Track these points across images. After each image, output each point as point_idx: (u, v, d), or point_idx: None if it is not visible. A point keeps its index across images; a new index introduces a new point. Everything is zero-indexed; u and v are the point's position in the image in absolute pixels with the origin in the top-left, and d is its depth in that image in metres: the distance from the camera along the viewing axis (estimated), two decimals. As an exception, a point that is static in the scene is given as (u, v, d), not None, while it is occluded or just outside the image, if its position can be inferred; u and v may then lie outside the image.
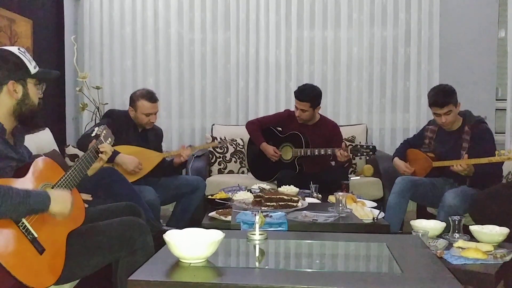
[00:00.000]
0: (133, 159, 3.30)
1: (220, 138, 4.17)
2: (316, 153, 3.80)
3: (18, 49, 1.90)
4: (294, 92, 3.93)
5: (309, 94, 3.86)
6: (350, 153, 3.65)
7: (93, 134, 2.28)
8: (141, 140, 3.52)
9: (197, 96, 4.99)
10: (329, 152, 3.76)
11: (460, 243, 2.23)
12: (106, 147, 2.24)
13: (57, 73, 2.09)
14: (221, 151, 4.50)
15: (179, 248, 1.59)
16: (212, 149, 4.45)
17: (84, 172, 2.06)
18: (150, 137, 3.61)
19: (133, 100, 3.48)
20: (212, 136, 4.60)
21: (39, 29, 4.13)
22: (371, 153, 3.62)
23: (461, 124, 3.34)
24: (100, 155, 2.22)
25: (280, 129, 4.12)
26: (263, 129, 4.12)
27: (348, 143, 3.77)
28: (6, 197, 1.59)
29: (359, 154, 3.65)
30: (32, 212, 1.69)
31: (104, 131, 2.31)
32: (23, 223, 1.68)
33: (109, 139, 2.32)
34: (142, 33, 4.95)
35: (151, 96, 3.47)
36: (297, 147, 3.90)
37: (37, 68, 1.93)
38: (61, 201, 1.78)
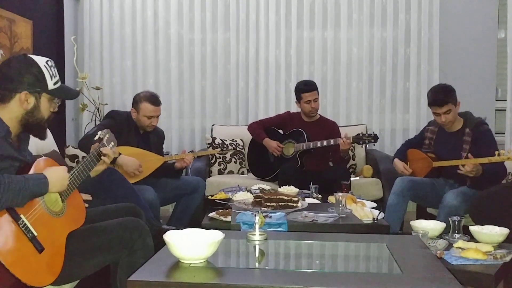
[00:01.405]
0: (134, 161, 3.30)
1: (222, 146, 4.19)
2: (319, 145, 3.82)
3: (46, 62, 1.91)
4: (300, 89, 3.94)
5: (314, 83, 4.00)
6: (353, 141, 3.68)
7: (96, 137, 2.28)
8: (142, 141, 3.52)
9: (197, 97, 4.99)
10: (332, 143, 3.78)
11: (460, 243, 2.23)
12: (109, 150, 2.24)
13: (76, 93, 2.12)
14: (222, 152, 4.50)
15: (179, 248, 1.59)
16: None
17: (85, 174, 2.06)
18: (152, 139, 3.61)
19: (136, 102, 3.47)
20: (212, 137, 4.60)
21: (39, 29, 4.13)
22: (373, 140, 3.66)
23: (462, 126, 3.34)
24: (102, 157, 2.22)
25: (281, 131, 4.14)
26: (265, 129, 4.14)
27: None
28: (6, 185, 1.62)
29: (361, 142, 3.71)
30: (34, 196, 1.72)
31: (107, 135, 2.30)
32: (22, 221, 1.68)
33: (112, 142, 2.32)
34: (142, 34, 4.95)
35: (154, 99, 3.46)
36: (299, 143, 3.93)
37: (58, 84, 1.94)
38: (58, 178, 1.82)
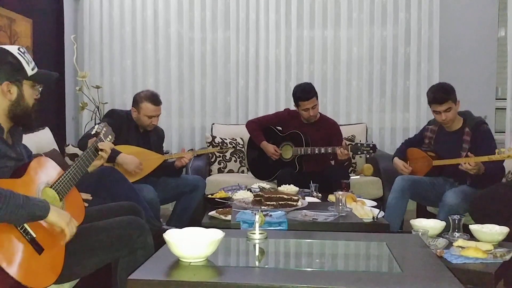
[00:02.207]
0: (134, 159, 3.30)
1: (222, 144, 4.20)
2: (317, 151, 3.80)
3: (18, 49, 1.88)
4: (298, 97, 3.87)
5: (312, 90, 3.88)
6: (351, 151, 3.66)
7: (93, 132, 2.27)
8: (142, 140, 3.52)
9: (197, 95, 4.99)
10: (329, 151, 3.76)
11: (460, 242, 2.23)
12: (106, 145, 2.23)
13: (56, 75, 2.07)
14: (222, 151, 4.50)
15: (179, 247, 1.59)
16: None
17: (83, 171, 2.05)
18: (152, 138, 3.61)
19: (136, 101, 3.46)
20: (212, 135, 4.60)
21: (39, 28, 4.12)
22: (371, 151, 3.63)
23: (462, 125, 3.33)
24: (100, 153, 2.21)
25: (280, 128, 4.12)
26: (263, 128, 4.13)
27: (348, 142, 3.77)
28: (6, 200, 1.58)
29: (359, 152, 3.65)
30: (32, 217, 1.67)
31: (104, 129, 2.29)
32: (21, 223, 1.68)
33: (109, 136, 2.30)
34: (142, 33, 4.95)
35: (155, 99, 3.46)
36: (297, 146, 3.90)
37: (36, 70, 1.91)
38: (60, 214, 1.77)
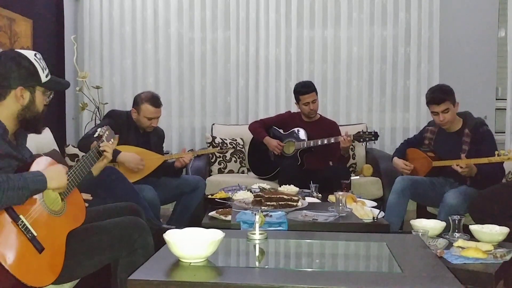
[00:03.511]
0: (135, 157, 3.29)
1: (222, 144, 4.20)
2: (319, 143, 3.84)
3: (35, 55, 1.90)
4: (298, 91, 3.96)
5: (312, 85, 3.99)
6: (354, 139, 3.71)
7: (95, 135, 2.27)
8: (142, 141, 3.52)
9: (197, 95, 4.99)
10: (332, 141, 3.81)
11: (460, 242, 2.23)
12: (108, 145, 2.24)
13: (68, 83, 2.11)
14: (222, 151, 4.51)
15: (179, 247, 1.59)
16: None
17: (85, 172, 2.06)
18: (152, 138, 3.60)
19: (137, 102, 3.46)
20: (212, 136, 4.60)
21: (39, 28, 4.13)
22: (373, 138, 3.71)
23: (461, 126, 3.33)
24: (103, 153, 2.22)
25: (282, 130, 4.15)
26: (266, 128, 4.17)
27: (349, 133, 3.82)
28: (5, 184, 1.61)
29: (361, 140, 3.75)
30: (33, 194, 1.72)
31: (107, 132, 2.30)
32: (22, 221, 1.68)
33: (112, 139, 2.31)
34: (142, 32, 4.95)
35: (155, 101, 3.45)
36: (300, 141, 3.95)
37: (49, 77, 1.93)
38: (56, 175, 1.81)
